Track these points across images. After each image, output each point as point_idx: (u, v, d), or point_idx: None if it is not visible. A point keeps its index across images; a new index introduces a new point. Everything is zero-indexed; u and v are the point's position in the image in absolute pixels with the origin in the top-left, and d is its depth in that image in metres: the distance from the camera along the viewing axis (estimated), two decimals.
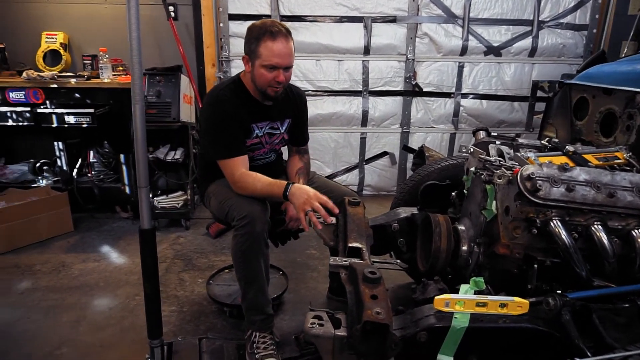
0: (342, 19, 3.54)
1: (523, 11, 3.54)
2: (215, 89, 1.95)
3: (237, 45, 3.56)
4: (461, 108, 3.72)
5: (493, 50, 3.59)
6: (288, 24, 3.43)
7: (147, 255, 1.55)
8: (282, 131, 2.03)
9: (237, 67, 3.59)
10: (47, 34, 3.46)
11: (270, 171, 2.02)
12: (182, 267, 2.70)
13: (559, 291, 1.26)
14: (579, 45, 3.66)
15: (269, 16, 3.48)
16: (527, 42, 3.57)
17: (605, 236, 1.26)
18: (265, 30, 1.75)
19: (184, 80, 3.14)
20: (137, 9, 1.36)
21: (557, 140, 1.61)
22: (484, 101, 3.71)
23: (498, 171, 1.38)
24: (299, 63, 3.61)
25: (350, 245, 1.54)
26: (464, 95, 3.71)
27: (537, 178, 1.25)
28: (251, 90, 1.89)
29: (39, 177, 3.44)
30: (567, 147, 1.55)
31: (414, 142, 3.78)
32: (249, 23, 3.52)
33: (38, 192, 3.16)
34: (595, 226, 1.28)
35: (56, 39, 3.46)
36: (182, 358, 1.70)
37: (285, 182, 1.75)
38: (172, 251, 2.90)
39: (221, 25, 3.51)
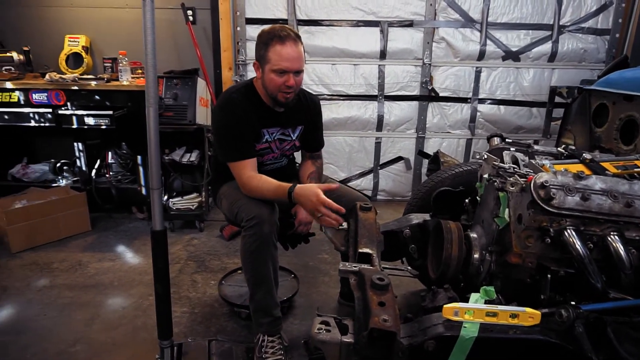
0: (358, 24, 3.53)
1: (543, 15, 3.48)
2: (227, 92, 1.96)
3: (254, 49, 3.53)
4: (478, 113, 3.67)
5: (511, 55, 3.54)
6: (304, 28, 3.54)
7: (158, 256, 1.56)
8: (293, 138, 2.03)
9: (253, 70, 3.60)
10: (70, 37, 3.55)
11: (282, 176, 2.03)
12: (195, 268, 2.72)
13: (572, 302, 1.24)
14: (600, 50, 3.58)
15: (285, 20, 3.50)
16: (546, 46, 3.51)
17: (622, 247, 1.23)
18: (273, 35, 1.76)
19: (201, 83, 3.18)
20: (152, 14, 1.38)
21: (574, 147, 1.58)
22: (501, 107, 3.65)
23: (511, 178, 1.36)
24: (314, 67, 3.62)
25: (360, 250, 1.53)
26: (481, 101, 3.66)
27: (551, 186, 1.23)
28: (262, 96, 1.90)
29: (59, 177, 3.53)
30: (584, 154, 1.51)
31: (430, 148, 3.75)
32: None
33: (58, 192, 3.24)
34: (612, 237, 1.24)
35: (78, 42, 3.55)
36: (192, 359, 1.71)
37: (288, 185, 1.75)
38: (186, 252, 2.93)
39: (238, 29, 3.55)
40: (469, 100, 3.66)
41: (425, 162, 3.55)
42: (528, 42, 3.52)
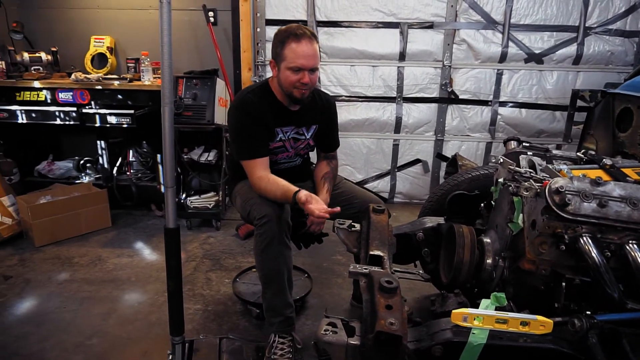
0: (378, 25, 3.52)
1: (568, 17, 3.39)
2: (243, 92, 1.98)
3: None
4: (499, 116, 3.60)
5: (534, 58, 3.46)
6: (324, 30, 3.55)
7: (171, 253, 1.59)
8: (308, 137, 2.03)
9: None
10: (95, 38, 3.64)
11: (296, 175, 2.04)
12: (210, 266, 2.76)
13: (588, 312, 1.20)
14: (628, 53, 3.46)
15: (305, 22, 3.52)
16: (571, 49, 3.42)
17: None
18: (290, 33, 1.78)
19: (220, 83, 3.22)
20: (169, 15, 1.41)
21: (594, 152, 1.53)
22: (523, 110, 3.58)
23: (526, 183, 1.33)
24: (333, 68, 3.62)
25: (371, 253, 1.52)
26: (502, 104, 3.59)
27: (566, 192, 1.19)
28: (278, 95, 1.91)
29: (83, 174, 3.63)
30: (604, 160, 1.47)
31: (449, 150, 3.70)
32: None
33: (81, 188, 3.33)
34: (630, 245, 1.20)
35: (103, 43, 3.64)
36: (202, 356, 1.73)
37: (295, 189, 1.76)
38: (202, 250, 2.97)
39: (258, 30, 3.58)
40: (489, 103, 3.60)
41: (444, 165, 3.51)
42: (552, 44, 3.43)
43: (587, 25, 3.39)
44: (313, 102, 2.00)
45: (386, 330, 1.08)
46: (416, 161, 3.82)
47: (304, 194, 1.72)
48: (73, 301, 2.35)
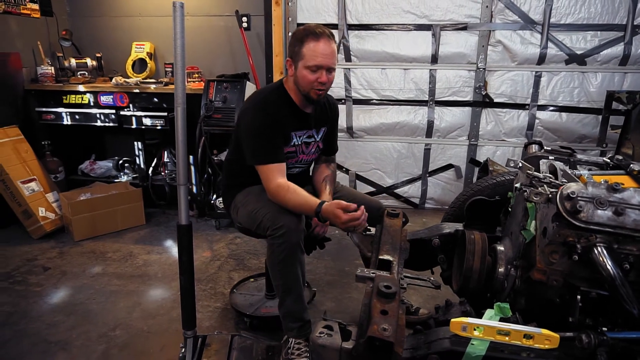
0: (409, 27, 3.47)
1: (614, 15, 3.19)
2: (261, 92, 1.96)
3: None
4: (537, 121, 3.44)
5: (576, 59, 3.28)
6: (354, 33, 3.54)
7: (183, 250, 1.63)
8: (318, 139, 2.02)
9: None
10: (136, 44, 3.83)
11: (300, 180, 2.00)
12: (233, 266, 2.80)
13: (604, 328, 1.12)
14: None
15: (336, 25, 3.52)
16: (617, 49, 3.21)
17: None
18: (308, 32, 1.76)
19: (250, 87, 3.28)
20: (182, 20, 1.45)
21: (620, 157, 1.43)
22: (563, 114, 3.40)
23: (540, 189, 1.26)
24: (363, 72, 3.60)
25: (380, 257, 1.50)
26: (541, 107, 3.43)
27: (578, 198, 1.11)
28: (293, 96, 1.89)
29: (121, 173, 3.81)
30: (632, 165, 1.36)
31: (482, 156, 3.58)
32: None
33: (118, 187, 3.49)
34: None
35: (144, 48, 3.82)
36: (213, 351, 1.76)
37: (318, 201, 1.73)
38: (228, 250, 3.03)
39: (290, 34, 3.62)
40: (526, 107, 3.45)
41: (477, 170, 3.39)
42: (596, 44, 3.24)
43: (635, 23, 3.17)
44: (322, 105, 1.99)
45: (378, 335, 1.05)
46: (448, 166, 3.72)
47: (328, 205, 1.70)
48: (102, 294, 2.46)
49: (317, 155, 2.08)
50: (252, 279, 2.53)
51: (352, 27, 3.53)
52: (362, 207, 1.69)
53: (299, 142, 1.95)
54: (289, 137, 1.91)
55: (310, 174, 2.16)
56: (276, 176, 1.80)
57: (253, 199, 1.88)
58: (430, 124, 3.61)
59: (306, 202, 1.75)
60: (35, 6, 3.60)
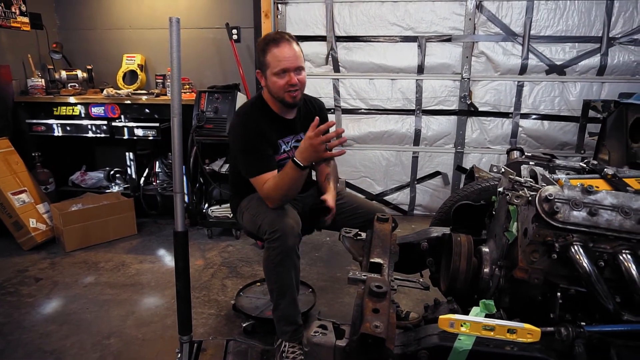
0: (396, 39, 3.57)
1: (591, 28, 3.33)
2: (242, 107, 2.03)
3: None
4: (520, 129, 3.56)
5: (556, 69, 3.41)
6: (343, 44, 3.62)
7: (179, 256, 1.67)
8: None
9: None
10: (127, 56, 3.87)
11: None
12: (226, 273, 2.84)
13: (583, 323, 1.19)
14: None
15: (324, 37, 3.61)
16: (594, 60, 3.35)
17: (634, 266, 1.16)
18: (268, 41, 1.84)
19: (241, 97, 3.34)
20: (178, 34, 1.51)
21: (595, 162, 1.51)
22: (545, 122, 3.52)
23: (521, 192, 1.33)
24: (352, 82, 3.69)
25: (371, 260, 1.56)
26: (524, 116, 3.54)
27: (555, 200, 1.19)
28: (272, 106, 1.95)
29: (112, 184, 3.82)
30: (605, 169, 1.45)
31: (469, 163, 3.67)
32: (307, 44, 3.68)
33: (110, 197, 3.51)
34: (624, 255, 1.18)
35: (135, 60, 3.86)
36: (208, 356, 1.79)
37: (289, 162, 1.74)
38: (220, 258, 3.06)
39: None
40: (510, 115, 3.56)
41: (464, 177, 3.48)
42: (574, 55, 3.38)
43: (610, 35, 3.31)
44: (306, 108, 2.06)
45: (370, 332, 1.11)
46: (436, 173, 3.81)
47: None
48: (95, 303, 2.47)
49: None
50: (258, 283, 2.58)
51: (340, 39, 3.63)
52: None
53: (289, 148, 2.01)
54: (277, 146, 1.97)
55: (313, 177, 2.22)
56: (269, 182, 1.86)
57: (255, 205, 1.94)
58: (417, 133, 3.70)
59: (288, 171, 1.74)
60: (26, 19, 3.62)
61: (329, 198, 2.02)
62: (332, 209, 2.01)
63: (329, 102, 3.73)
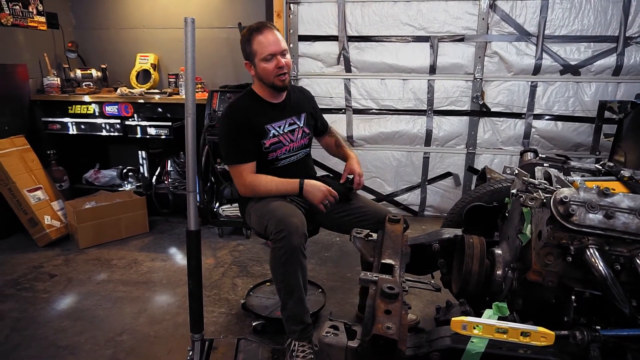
0: (408, 39, 3.55)
1: (607, 27, 3.28)
2: (232, 100, 2.15)
3: (306, 65, 3.74)
4: (533, 129, 3.52)
5: (570, 69, 3.36)
6: (354, 44, 3.62)
7: (192, 255, 1.68)
8: (301, 125, 2.14)
9: (304, 85, 3.75)
10: (140, 56, 3.91)
11: (302, 170, 2.13)
12: (237, 272, 2.85)
13: (598, 327, 1.17)
14: None
15: (336, 37, 3.61)
16: (610, 59, 3.30)
17: None
18: (251, 30, 1.95)
19: None
20: (193, 34, 1.52)
21: (612, 164, 1.49)
22: (559, 122, 3.47)
23: (535, 194, 1.32)
24: (363, 82, 3.68)
25: (382, 261, 1.55)
26: (537, 116, 3.50)
27: (571, 202, 1.18)
28: (262, 94, 2.04)
29: (125, 182, 3.86)
30: (622, 171, 1.43)
31: (480, 164, 3.64)
32: (318, 44, 3.69)
33: (122, 195, 3.54)
34: None
35: (148, 59, 3.90)
36: (219, 354, 1.80)
37: (297, 180, 1.94)
38: (231, 257, 3.08)
39: (291, 45, 3.70)
40: (523, 116, 3.53)
41: (475, 178, 3.46)
42: (589, 55, 3.33)
43: (627, 35, 3.26)
44: (294, 96, 2.16)
45: (382, 333, 1.11)
46: (447, 174, 3.79)
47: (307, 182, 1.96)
48: (108, 300, 2.50)
49: (307, 140, 2.18)
50: (267, 283, 2.59)
51: (352, 38, 3.62)
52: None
53: (281, 132, 2.06)
54: (264, 131, 2.02)
55: (311, 164, 2.29)
56: (247, 174, 1.98)
57: (261, 205, 1.97)
58: (428, 133, 3.69)
59: (284, 180, 1.98)
60: (42, 19, 3.68)
61: (353, 163, 2.16)
62: (360, 175, 2.13)
63: (340, 102, 3.73)
